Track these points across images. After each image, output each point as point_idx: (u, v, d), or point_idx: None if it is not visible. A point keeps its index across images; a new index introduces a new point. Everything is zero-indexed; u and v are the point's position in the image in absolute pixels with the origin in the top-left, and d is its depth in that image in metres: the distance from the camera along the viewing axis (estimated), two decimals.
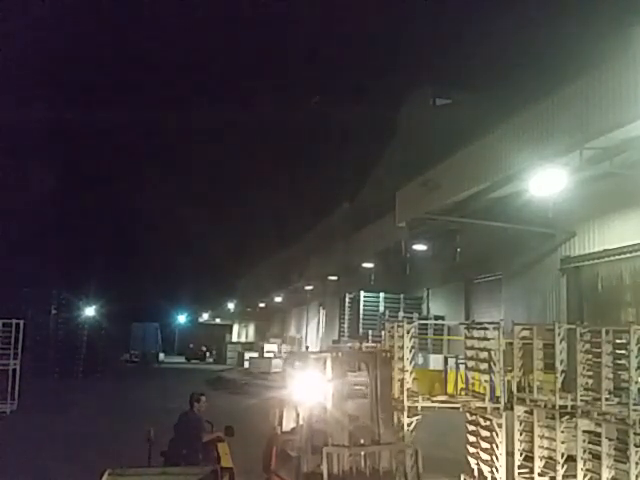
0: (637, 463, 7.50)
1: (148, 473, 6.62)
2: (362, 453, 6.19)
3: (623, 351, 7.90)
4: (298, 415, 6.98)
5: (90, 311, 38.71)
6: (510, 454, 9.10)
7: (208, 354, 58.44)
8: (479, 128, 16.90)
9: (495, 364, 9.25)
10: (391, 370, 6.62)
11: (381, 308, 26.92)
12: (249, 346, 48.56)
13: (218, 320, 71.57)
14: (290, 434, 7.04)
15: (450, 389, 18.74)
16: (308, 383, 6.57)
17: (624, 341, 7.89)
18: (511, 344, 9.43)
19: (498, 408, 9.14)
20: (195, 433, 8.02)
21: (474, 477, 9.41)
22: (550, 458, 8.69)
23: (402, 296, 27.13)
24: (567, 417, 8.53)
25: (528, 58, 24.11)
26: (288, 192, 58.18)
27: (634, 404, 7.58)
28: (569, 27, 21.32)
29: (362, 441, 6.32)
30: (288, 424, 7.15)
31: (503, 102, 19.71)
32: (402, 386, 9.55)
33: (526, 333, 9.31)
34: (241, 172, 69.16)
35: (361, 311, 27.16)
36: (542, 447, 8.81)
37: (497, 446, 8.98)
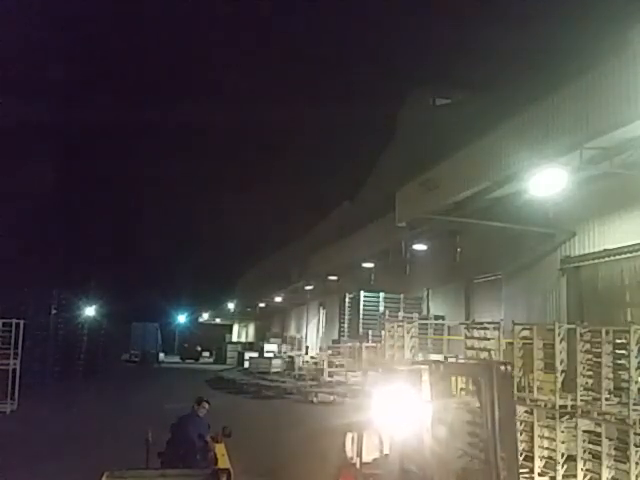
0: (637, 463, 7.50)
1: (146, 475, 6.54)
2: None
3: (623, 351, 7.90)
4: (382, 444, 5.68)
5: (90, 311, 38.69)
6: None
7: (208, 354, 58.36)
8: (479, 128, 16.89)
9: None
10: (512, 389, 4.96)
11: (381, 308, 26.91)
12: (249, 346, 48.54)
13: (218, 320, 71.53)
14: (372, 467, 5.79)
15: None
16: (397, 404, 5.08)
17: (624, 341, 7.89)
18: (511, 344, 9.43)
19: None
20: (201, 435, 8.09)
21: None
22: (550, 458, 8.69)
23: (402, 296, 27.10)
24: (567, 417, 8.54)
25: (528, 58, 24.11)
26: (288, 192, 58.26)
27: (634, 404, 7.58)
28: (569, 27, 21.32)
29: None
30: (369, 454, 5.76)
31: (503, 102, 19.70)
32: None
33: (526, 333, 9.31)
34: (241, 172, 69.18)
35: (361, 311, 27.16)
36: (542, 447, 8.81)
37: None
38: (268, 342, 43.71)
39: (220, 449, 8.36)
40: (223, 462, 7.97)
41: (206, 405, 8.54)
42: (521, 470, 9.01)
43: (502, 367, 4.93)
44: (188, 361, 55.11)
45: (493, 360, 7.36)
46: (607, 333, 8.05)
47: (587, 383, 8.33)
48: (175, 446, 7.94)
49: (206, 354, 58.71)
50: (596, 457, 7.99)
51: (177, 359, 57.09)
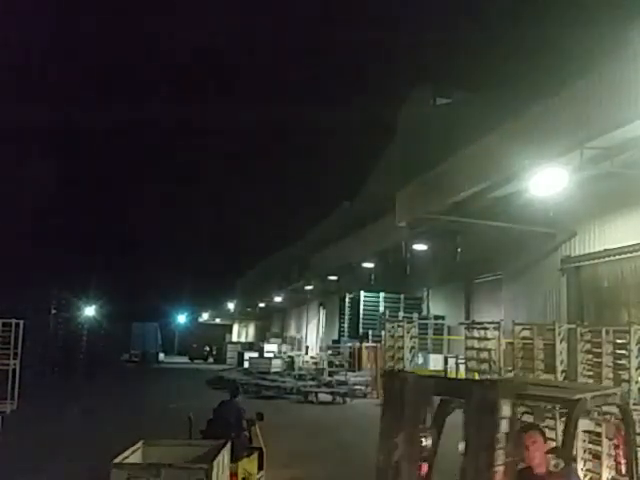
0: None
1: (176, 444, 7.62)
2: None
3: (623, 351, 7.89)
4: None
5: (90, 311, 38.71)
6: None
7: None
8: (479, 128, 16.88)
9: (495, 363, 9.24)
10: (495, 418, 3.46)
11: (381, 308, 26.95)
12: (249, 346, 48.51)
13: (218, 320, 71.50)
14: None
15: None
16: None
17: (624, 341, 7.88)
18: (511, 344, 9.42)
19: None
20: (237, 417, 9.29)
21: None
22: None
23: (402, 296, 27.14)
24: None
25: (529, 58, 24.11)
26: (288, 192, 58.28)
27: (634, 404, 7.57)
28: (570, 26, 21.31)
29: None
30: None
31: (504, 102, 19.70)
32: None
33: (526, 333, 9.31)
34: (241, 172, 69.14)
35: (361, 311, 27.19)
36: None
37: None
38: (268, 342, 43.70)
39: (255, 431, 9.54)
40: (257, 442, 9.26)
41: (239, 396, 10.04)
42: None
43: (480, 389, 3.62)
44: (197, 361, 54.99)
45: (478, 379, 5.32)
46: (607, 333, 8.05)
47: (587, 383, 8.32)
48: (214, 425, 9.04)
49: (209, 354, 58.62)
50: (596, 457, 7.99)
51: (178, 359, 57.04)
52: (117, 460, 6.49)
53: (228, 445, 7.49)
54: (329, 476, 11.21)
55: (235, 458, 8.13)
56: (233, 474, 7.85)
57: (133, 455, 6.94)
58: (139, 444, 7.11)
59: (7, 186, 31.53)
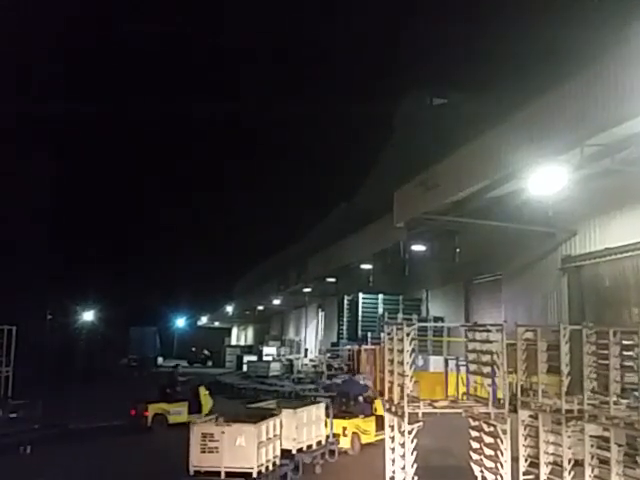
0: None
1: (297, 403, 12.17)
2: None
3: (630, 353, 7.66)
4: None
5: (88, 316, 38.48)
6: (515, 460, 8.85)
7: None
8: (477, 126, 16.69)
9: (498, 367, 8.99)
10: None
11: (380, 310, 26.70)
12: (248, 349, 48.28)
13: (217, 323, 71.27)
14: None
15: (451, 391, 18.49)
16: None
17: (632, 342, 7.65)
18: (513, 345, 9.19)
19: (502, 414, 8.86)
20: (355, 391, 13.57)
21: None
22: (556, 464, 8.46)
23: (401, 297, 26.90)
24: (573, 421, 8.30)
25: (527, 55, 23.94)
26: (286, 193, 58.10)
27: None
28: (568, 24, 21.15)
29: None
30: None
31: (501, 99, 19.52)
32: (402, 391, 9.29)
33: (529, 335, 9.08)
34: (240, 173, 68.97)
35: (360, 313, 26.94)
36: (548, 453, 8.57)
37: (502, 453, 8.71)
38: (267, 345, 43.49)
39: (378, 403, 12.87)
40: (380, 411, 12.38)
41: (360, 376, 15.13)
42: (526, 477, 8.77)
43: None
44: (196, 365, 54.66)
45: None
46: (615, 334, 7.81)
47: (594, 386, 8.10)
48: (339, 395, 13.69)
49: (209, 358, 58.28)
50: (604, 463, 7.76)
51: (176, 363, 56.70)
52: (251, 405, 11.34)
53: (321, 405, 11.56)
54: None
55: (349, 417, 12.35)
56: (345, 428, 11.57)
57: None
58: (274, 401, 11.91)
59: (5, 189, 31.29)
